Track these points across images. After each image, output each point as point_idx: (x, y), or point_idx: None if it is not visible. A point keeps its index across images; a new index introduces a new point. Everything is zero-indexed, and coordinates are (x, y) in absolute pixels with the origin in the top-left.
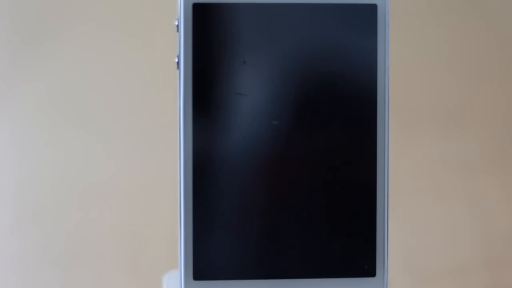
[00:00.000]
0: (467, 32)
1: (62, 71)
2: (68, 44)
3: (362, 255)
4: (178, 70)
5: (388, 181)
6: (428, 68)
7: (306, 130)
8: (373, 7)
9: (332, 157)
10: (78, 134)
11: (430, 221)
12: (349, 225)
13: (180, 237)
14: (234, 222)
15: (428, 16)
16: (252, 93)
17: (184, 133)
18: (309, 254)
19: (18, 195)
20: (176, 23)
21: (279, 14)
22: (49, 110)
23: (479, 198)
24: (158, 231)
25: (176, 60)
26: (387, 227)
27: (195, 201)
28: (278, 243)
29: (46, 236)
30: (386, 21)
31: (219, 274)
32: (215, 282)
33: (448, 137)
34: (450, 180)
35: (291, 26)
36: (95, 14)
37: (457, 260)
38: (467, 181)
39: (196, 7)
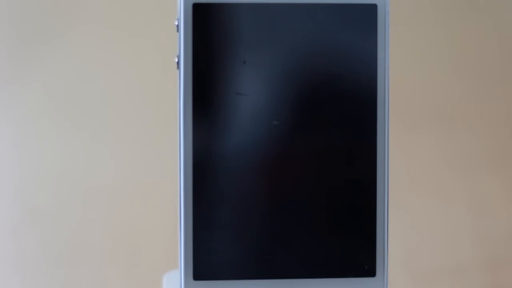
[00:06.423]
0: (467, 32)
1: (63, 71)
2: (69, 44)
3: (362, 255)
4: (178, 70)
5: (388, 180)
6: (428, 68)
7: (306, 130)
8: (373, 7)
9: (332, 157)
10: (78, 134)
11: (430, 221)
12: (349, 225)
13: (180, 237)
14: (234, 222)
15: (428, 16)
16: (252, 93)
17: (184, 133)
18: (309, 254)
19: (18, 195)
20: (176, 23)
21: (279, 14)
22: (49, 110)
23: (480, 198)
24: (158, 231)
25: (176, 60)
26: (387, 227)
27: (195, 201)
28: (278, 243)
29: (47, 237)
30: (386, 21)
31: (219, 274)
32: (215, 282)
33: (449, 137)
34: (451, 180)
35: (291, 26)
36: (95, 14)
37: (457, 260)
38: (467, 181)
39: (196, 7)
